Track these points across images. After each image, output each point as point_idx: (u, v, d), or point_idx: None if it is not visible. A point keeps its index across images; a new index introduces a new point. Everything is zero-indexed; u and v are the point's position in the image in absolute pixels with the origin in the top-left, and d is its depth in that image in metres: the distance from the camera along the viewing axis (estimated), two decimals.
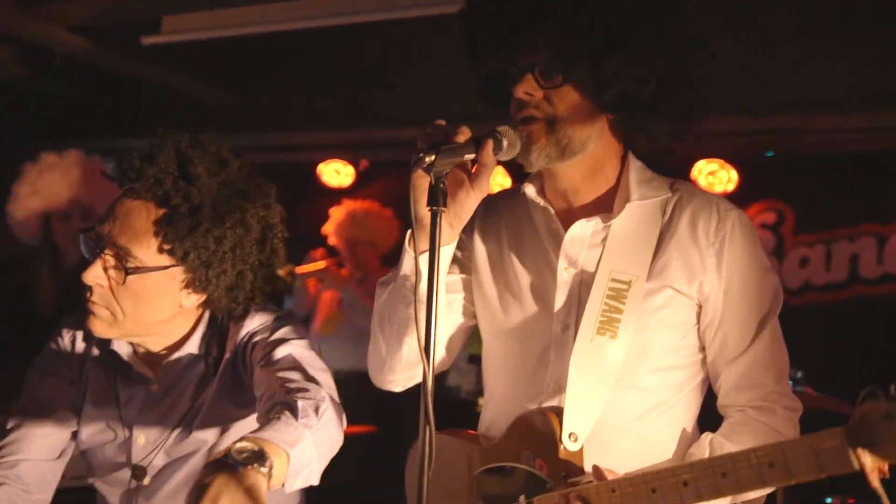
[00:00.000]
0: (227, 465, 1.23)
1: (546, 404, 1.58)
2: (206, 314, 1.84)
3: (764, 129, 4.45)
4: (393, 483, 1.96)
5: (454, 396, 4.88)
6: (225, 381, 1.81)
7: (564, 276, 1.63)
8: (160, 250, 1.69)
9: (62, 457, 1.87)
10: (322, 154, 5.77)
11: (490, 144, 1.45)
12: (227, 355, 1.81)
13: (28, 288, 3.26)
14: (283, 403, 1.45)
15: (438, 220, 1.39)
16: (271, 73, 5.04)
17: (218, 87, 5.17)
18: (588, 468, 1.48)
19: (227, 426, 1.81)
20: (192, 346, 1.81)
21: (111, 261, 1.69)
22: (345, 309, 5.04)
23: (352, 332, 4.86)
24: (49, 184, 3.16)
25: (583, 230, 1.63)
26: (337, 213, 5.17)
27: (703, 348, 1.63)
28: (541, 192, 1.70)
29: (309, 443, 1.38)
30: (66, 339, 1.92)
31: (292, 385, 1.56)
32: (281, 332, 1.77)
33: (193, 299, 1.76)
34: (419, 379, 1.77)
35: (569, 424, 1.50)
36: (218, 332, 1.83)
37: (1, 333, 3.15)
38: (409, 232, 1.57)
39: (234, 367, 1.81)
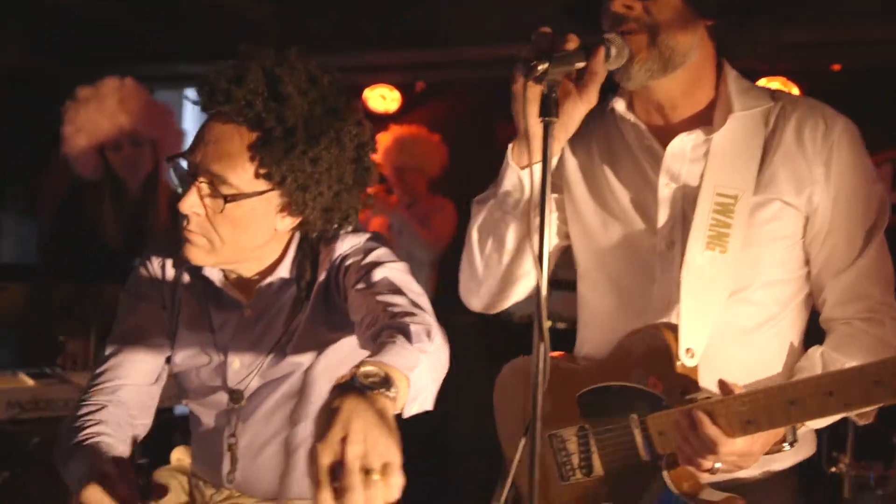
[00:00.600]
0: (356, 389, 1.18)
1: (653, 321, 1.55)
2: (297, 237, 1.80)
3: (827, 40, 4.31)
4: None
5: (506, 320, 4.88)
6: (318, 305, 1.78)
7: (665, 191, 1.58)
8: (256, 175, 1.64)
9: (158, 381, 1.86)
10: (368, 77, 5.69)
11: (602, 52, 1.41)
12: (320, 279, 1.78)
13: (94, 218, 3.27)
14: (394, 327, 1.42)
15: (551, 131, 1.33)
16: None
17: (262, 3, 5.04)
18: (703, 384, 1.45)
19: (321, 349, 1.79)
20: (284, 270, 1.78)
21: (206, 189, 1.64)
22: (394, 235, 5.03)
23: (401, 258, 4.85)
24: (89, 118, 3.17)
25: (683, 144, 1.57)
26: (384, 139, 5.11)
27: (807, 262, 1.58)
28: (629, 107, 1.64)
29: (425, 367, 1.35)
30: (155, 264, 1.89)
31: (396, 309, 1.52)
32: (375, 255, 1.73)
33: (288, 222, 1.72)
34: (515, 299, 1.76)
35: (685, 340, 1.46)
36: (308, 255, 1.80)
37: (72, 263, 3.18)
38: (510, 145, 1.52)
39: (328, 291, 1.78)
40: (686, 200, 1.56)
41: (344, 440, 1.09)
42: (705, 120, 1.59)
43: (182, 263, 1.86)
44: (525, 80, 1.37)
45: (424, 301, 1.61)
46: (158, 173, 3.38)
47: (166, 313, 1.87)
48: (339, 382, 1.21)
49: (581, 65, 1.39)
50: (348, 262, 1.75)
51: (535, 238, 1.31)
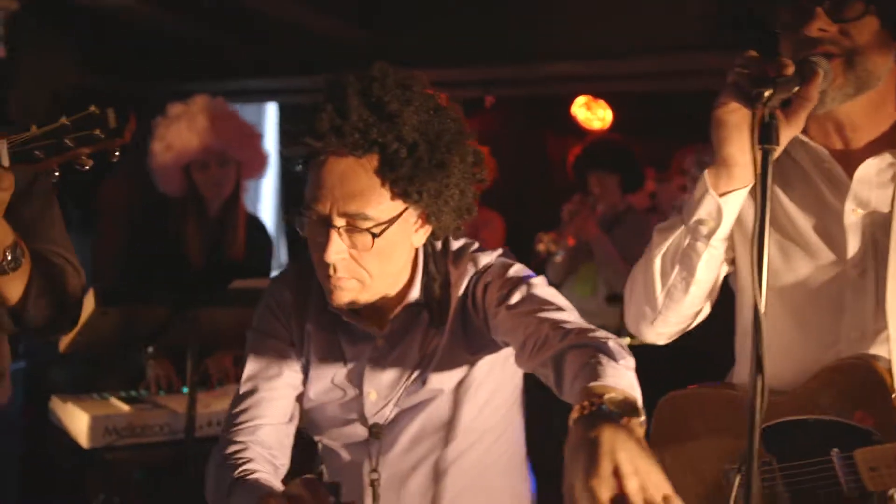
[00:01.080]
0: (608, 418, 1.16)
1: (846, 353, 1.50)
2: (421, 259, 1.77)
3: None
4: None
5: None
6: (456, 328, 1.75)
7: (852, 218, 1.53)
8: (392, 198, 1.61)
9: (293, 420, 1.82)
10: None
11: (820, 76, 1.37)
12: (454, 301, 1.74)
13: (178, 235, 3.24)
14: (590, 346, 1.40)
15: (770, 159, 1.28)
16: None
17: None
18: None
19: (463, 372, 1.77)
20: (415, 294, 1.74)
21: (346, 231, 1.60)
22: None
23: None
24: (178, 135, 3.16)
25: (870, 168, 1.53)
26: None
27: None
28: (804, 131, 1.58)
29: (637, 385, 1.34)
30: (280, 300, 1.85)
31: (569, 326, 1.50)
32: (514, 272, 1.70)
33: (422, 235, 1.69)
34: (686, 328, 1.72)
35: None
36: (436, 276, 1.76)
37: (157, 279, 3.17)
38: (705, 172, 1.48)
39: (465, 312, 1.75)
40: (876, 226, 1.51)
41: (616, 474, 1.08)
42: (890, 142, 1.54)
43: (309, 298, 1.84)
44: (748, 106, 1.33)
45: (577, 314, 1.61)
46: (239, 193, 3.36)
47: (296, 350, 1.84)
48: (583, 413, 1.19)
49: (795, 89, 1.35)
50: (488, 279, 1.71)
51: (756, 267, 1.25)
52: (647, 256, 1.63)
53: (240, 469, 1.64)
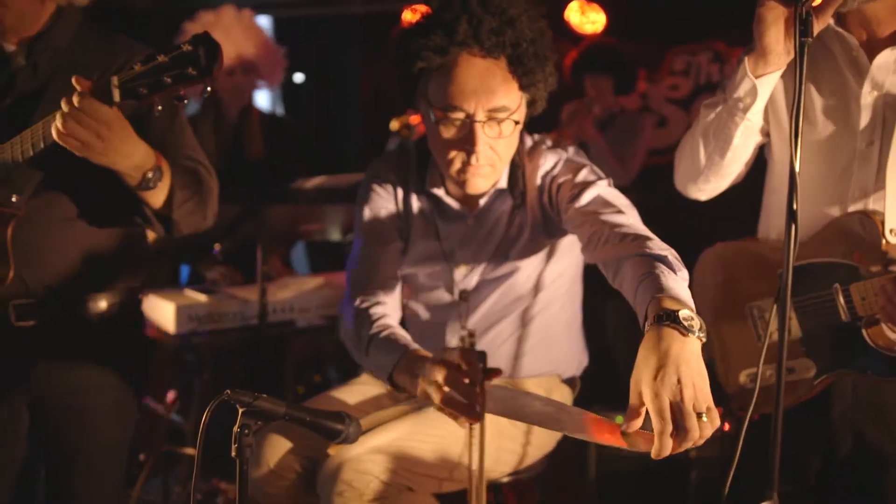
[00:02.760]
0: (679, 331, 1.36)
1: (851, 208, 1.85)
2: None
3: None
4: None
5: None
6: (535, 214, 2.06)
7: (868, 98, 1.84)
8: (518, 89, 1.91)
9: (398, 278, 2.13)
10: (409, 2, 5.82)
11: None
12: (533, 191, 2.05)
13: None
14: (650, 257, 1.59)
15: (806, 50, 1.55)
16: None
17: None
18: None
19: (541, 254, 2.10)
20: (503, 181, 2.05)
21: (486, 124, 1.86)
22: None
23: None
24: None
25: (888, 56, 1.82)
26: None
27: None
28: (838, 22, 1.88)
29: (690, 296, 1.50)
30: (386, 179, 2.15)
31: (627, 230, 1.74)
32: (584, 174, 1.98)
33: (523, 115, 1.96)
34: (725, 186, 2.05)
35: (890, 221, 1.78)
36: (517, 165, 2.06)
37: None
38: (746, 58, 1.77)
39: (541, 202, 2.05)
40: (887, 107, 1.83)
41: (678, 383, 1.30)
42: None
43: (408, 180, 2.13)
44: (786, 4, 1.61)
45: (636, 213, 1.88)
46: (253, 102, 3.61)
47: (400, 222, 2.14)
48: (660, 322, 1.37)
49: None
50: (560, 180, 2.00)
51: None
52: (694, 127, 1.96)
53: (375, 324, 1.92)
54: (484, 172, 1.94)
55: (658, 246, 1.66)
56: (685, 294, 1.49)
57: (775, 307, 1.62)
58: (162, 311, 2.97)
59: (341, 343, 3.82)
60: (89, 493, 2.05)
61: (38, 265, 1.94)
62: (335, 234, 3.50)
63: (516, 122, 1.91)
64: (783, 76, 1.93)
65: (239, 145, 3.60)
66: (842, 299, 1.84)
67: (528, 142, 2.11)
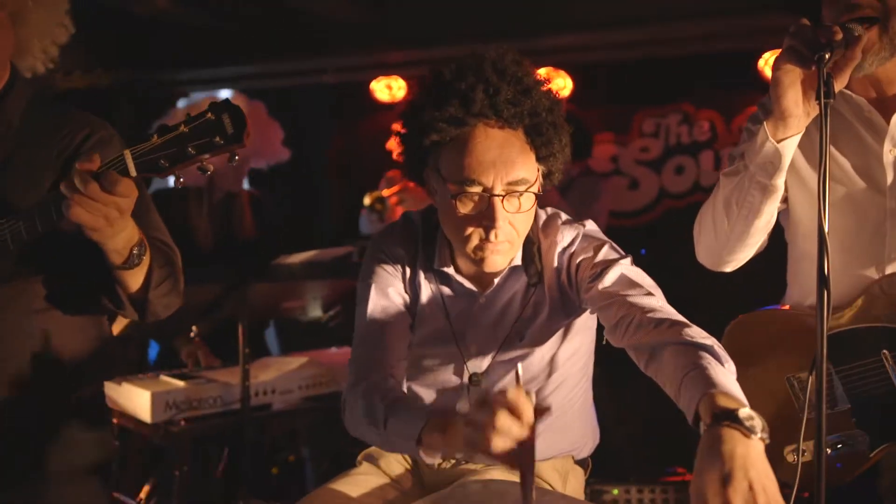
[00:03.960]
0: (742, 432, 1.28)
1: (889, 269, 1.80)
2: None
3: None
4: None
5: None
6: (553, 293, 1.94)
7: (890, 157, 1.81)
8: (536, 161, 1.81)
9: (406, 360, 1.99)
10: (375, 73, 5.82)
11: (864, 40, 1.59)
12: (550, 270, 1.93)
13: (187, 224, 3.38)
14: (693, 345, 1.53)
15: (827, 111, 1.50)
16: None
17: None
18: None
19: (558, 335, 1.97)
20: (517, 258, 1.92)
21: (505, 199, 1.76)
22: None
23: None
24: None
25: None
26: None
27: None
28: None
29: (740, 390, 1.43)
30: (393, 254, 2.01)
31: (662, 315, 1.65)
32: (605, 252, 1.88)
33: (540, 189, 1.86)
34: (749, 257, 1.96)
35: None
36: (532, 241, 1.94)
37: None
38: (765, 123, 1.71)
39: (559, 281, 1.93)
40: None
41: (750, 489, 1.22)
42: None
43: (416, 254, 2.01)
44: (804, 67, 1.56)
45: (662, 294, 1.78)
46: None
47: (408, 302, 2.00)
48: (719, 422, 1.30)
49: (841, 52, 1.57)
50: (579, 258, 1.89)
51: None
52: (714, 197, 1.88)
53: (390, 396, 1.77)
54: (503, 249, 1.82)
55: (699, 334, 1.57)
56: (738, 390, 1.40)
57: (811, 378, 1.54)
58: (136, 399, 2.77)
59: (314, 422, 3.68)
60: None
61: (7, 359, 1.80)
62: (316, 311, 3.36)
63: (536, 195, 1.81)
64: (802, 142, 1.89)
65: (225, 225, 3.47)
66: (892, 365, 1.75)
67: (542, 216, 2.00)
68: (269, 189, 3.67)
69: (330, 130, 5.95)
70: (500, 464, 1.44)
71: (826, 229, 1.45)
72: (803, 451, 1.76)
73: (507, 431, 1.39)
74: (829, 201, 1.83)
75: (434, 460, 1.66)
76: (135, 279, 1.77)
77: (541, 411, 1.45)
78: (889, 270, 1.79)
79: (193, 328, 3.03)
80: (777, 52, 1.62)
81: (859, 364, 1.79)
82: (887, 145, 1.81)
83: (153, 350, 3.78)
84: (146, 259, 1.76)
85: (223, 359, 3.24)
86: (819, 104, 1.49)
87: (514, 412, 1.40)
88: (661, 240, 4.03)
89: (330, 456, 3.49)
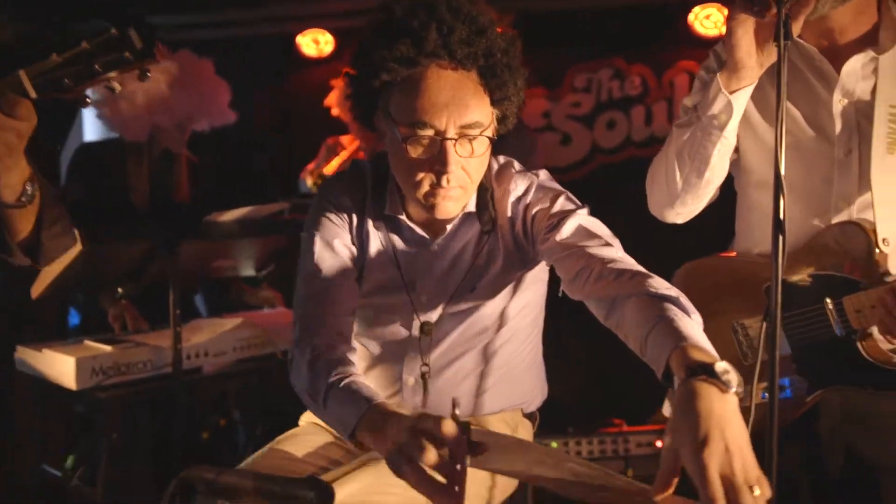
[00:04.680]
0: (719, 387, 1.23)
1: (835, 219, 1.79)
2: None
3: None
4: None
5: None
6: (507, 243, 1.89)
7: (839, 106, 1.80)
8: (490, 104, 1.74)
9: (354, 314, 1.91)
10: (300, 25, 5.64)
11: None
12: (504, 218, 1.88)
13: (122, 178, 3.22)
14: (657, 297, 1.49)
15: (786, 53, 1.48)
16: None
17: None
18: (893, 270, 1.71)
19: (512, 287, 1.92)
20: (471, 205, 1.86)
21: (458, 143, 1.69)
22: None
23: None
24: (168, 98, 3.09)
25: (856, 64, 1.79)
26: (341, 84, 5.09)
27: None
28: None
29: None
30: (339, 203, 1.93)
31: (622, 265, 1.62)
32: (561, 203, 1.84)
33: (494, 133, 1.80)
34: (702, 207, 1.95)
35: (882, 230, 1.72)
36: (487, 188, 1.89)
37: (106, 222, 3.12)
38: (718, 74, 1.70)
39: (513, 231, 1.88)
40: (860, 113, 1.79)
41: (726, 451, 1.16)
42: (870, 41, 1.80)
43: (364, 201, 1.93)
44: (758, 16, 1.55)
45: (620, 245, 1.75)
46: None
47: (356, 253, 1.92)
48: (694, 378, 1.24)
49: None
50: (535, 208, 1.84)
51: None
52: (667, 149, 1.86)
53: (333, 372, 1.69)
54: (455, 195, 1.75)
55: (662, 285, 1.53)
56: (708, 343, 1.36)
57: (764, 324, 1.52)
58: (59, 366, 2.63)
59: (245, 384, 3.59)
60: None
61: None
62: (248, 270, 3.24)
63: (490, 140, 1.74)
64: (757, 94, 1.87)
65: (161, 185, 3.32)
66: (833, 313, 1.75)
67: (495, 164, 1.94)
68: (194, 151, 3.50)
69: (251, 88, 5.73)
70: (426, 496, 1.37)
71: (783, 175, 1.43)
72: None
73: (432, 479, 1.34)
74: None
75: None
76: (27, 219, 1.65)
77: (479, 448, 1.38)
78: (835, 220, 1.80)
79: (119, 289, 2.88)
80: (706, 6, 1.60)
81: (802, 311, 1.80)
82: (837, 95, 1.80)
83: (74, 318, 3.62)
84: (37, 197, 1.63)
85: (152, 322, 3.11)
86: (778, 45, 1.46)
87: (444, 446, 1.35)
88: (595, 195, 4.04)
89: (262, 419, 3.40)
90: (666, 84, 5.24)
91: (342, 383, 1.66)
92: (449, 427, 1.34)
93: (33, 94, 1.43)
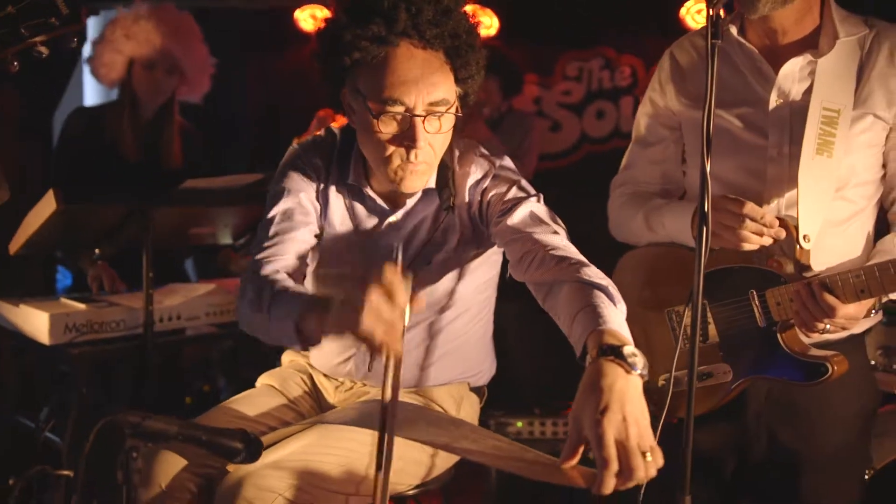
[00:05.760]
0: (624, 368, 1.35)
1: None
2: None
3: None
4: None
5: None
6: (464, 222, 1.96)
7: (774, 106, 1.87)
8: (455, 83, 1.82)
9: (304, 265, 1.97)
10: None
11: None
12: (463, 200, 1.95)
13: (113, 139, 3.28)
14: (590, 285, 1.59)
15: (715, 51, 1.55)
16: None
17: None
18: (815, 266, 1.80)
19: (465, 266, 2.01)
20: (432, 181, 1.94)
21: (426, 119, 1.76)
22: None
23: None
24: (143, 31, 3.16)
25: (794, 66, 1.86)
26: None
27: (883, 166, 1.92)
28: (740, 32, 1.90)
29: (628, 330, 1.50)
30: (311, 163, 2.00)
31: (563, 253, 1.72)
32: (515, 190, 1.92)
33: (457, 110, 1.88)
34: None
35: (804, 227, 1.80)
36: (448, 166, 1.96)
37: (96, 179, 3.23)
38: None
39: (469, 212, 1.96)
40: (794, 115, 1.86)
41: (623, 421, 1.29)
42: (810, 44, 1.87)
43: (330, 166, 2.00)
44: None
45: (566, 234, 1.83)
46: (174, 104, 3.42)
47: (318, 212, 2.00)
48: (603, 357, 1.37)
49: None
50: (490, 193, 1.93)
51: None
52: (631, 220, 2.06)
53: (277, 284, 1.76)
54: (421, 170, 1.83)
55: (597, 274, 1.63)
56: (625, 328, 1.48)
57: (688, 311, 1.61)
58: (34, 321, 2.72)
59: (230, 351, 3.66)
60: None
61: None
62: (226, 239, 3.32)
63: (456, 116, 1.82)
64: (689, 91, 1.97)
65: (156, 151, 3.40)
66: (757, 304, 1.84)
67: (460, 144, 2.01)
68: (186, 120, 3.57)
69: (244, 62, 5.77)
70: (367, 346, 1.45)
71: (708, 168, 1.51)
72: (679, 381, 1.85)
73: (377, 312, 1.41)
74: (714, 147, 1.90)
75: (313, 346, 1.65)
76: None
77: (416, 300, 1.47)
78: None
79: (96, 250, 2.97)
80: (698, 1, 1.64)
81: (730, 301, 1.88)
82: (773, 95, 1.87)
83: (66, 277, 3.70)
84: None
85: (131, 286, 3.19)
86: (706, 44, 1.53)
87: (388, 294, 1.41)
88: (581, 184, 4.08)
89: (245, 386, 3.49)
90: None
91: (283, 288, 1.74)
92: (389, 269, 1.43)
93: None
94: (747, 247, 1.77)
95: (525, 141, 4.61)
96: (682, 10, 4.94)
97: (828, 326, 1.74)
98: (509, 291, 2.16)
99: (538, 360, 3.80)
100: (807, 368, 1.80)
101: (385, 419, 1.46)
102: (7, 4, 1.47)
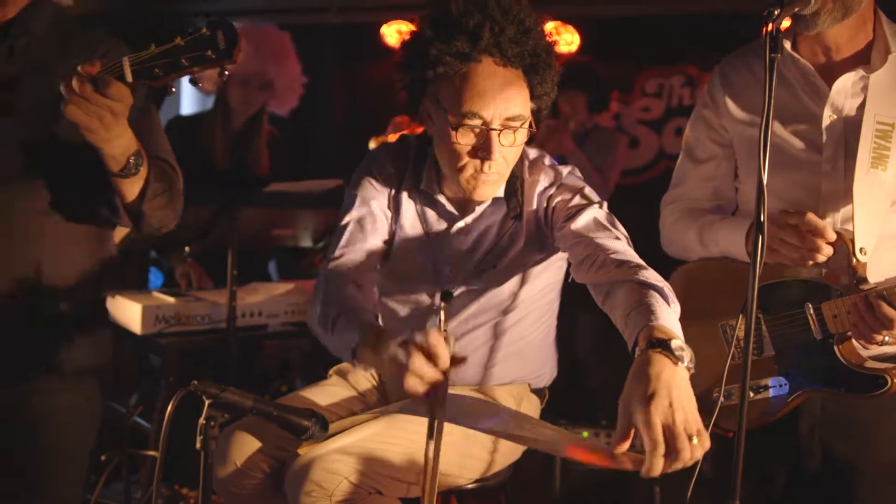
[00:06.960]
0: (673, 360, 1.43)
1: None
2: None
3: None
4: None
5: None
6: (530, 228, 2.05)
7: (828, 122, 1.90)
8: (531, 99, 1.91)
9: (375, 271, 2.10)
10: (385, 15, 5.85)
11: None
12: (530, 207, 2.04)
13: (206, 146, 3.48)
14: (646, 285, 1.65)
15: (774, 66, 1.57)
16: None
17: None
18: (871, 279, 1.82)
19: (528, 271, 2.09)
20: (501, 190, 2.03)
21: (502, 133, 1.86)
22: None
23: None
24: (243, 50, 3.33)
25: (846, 82, 1.88)
26: None
27: None
28: (794, 47, 1.93)
29: (680, 328, 1.56)
30: (382, 171, 2.11)
31: (623, 257, 1.79)
32: (581, 196, 1.99)
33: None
34: None
35: (860, 241, 1.82)
36: (517, 176, 2.05)
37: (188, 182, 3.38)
38: None
39: (536, 217, 2.04)
40: (847, 129, 1.88)
41: (670, 406, 1.37)
42: (863, 59, 1.89)
43: (404, 172, 2.11)
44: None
45: (628, 240, 1.90)
46: (263, 116, 3.61)
47: (390, 214, 2.11)
48: (652, 348, 1.44)
49: (796, 9, 1.62)
50: (557, 199, 2.01)
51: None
52: (684, 235, 2.09)
53: (343, 303, 1.90)
54: (493, 180, 1.94)
55: (654, 276, 1.70)
56: (676, 326, 1.54)
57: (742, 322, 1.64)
58: (128, 312, 2.93)
59: (308, 352, 3.81)
60: (48, 496, 1.99)
61: (11, 258, 1.88)
62: (306, 241, 3.48)
63: (530, 131, 1.92)
64: (745, 105, 2.00)
65: (244, 159, 3.60)
66: (813, 316, 1.86)
67: (530, 155, 2.10)
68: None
69: (330, 75, 5.97)
70: (413, 402, 1.61)
71: (765, 180, 1.55)
72: (730, 394, 1.89)
73: (419, 374, 1.55)
74: (772, 163, 1.93)
75: (369, 371, 1.81)
76: (131, 188, 1.86)
77: (457, 360, 1.61)
78: None
79: (186, 248, 3.16)
80: (783, 20, 1.64)
81: (785, 314, 1.91)
82: (827, 110, 1.90)
83: (158, 278, 3.92)
84: (143, 171, 1.84)
85: (217, 283, 3.37)
86: (763, 58, 1.56)
87: (430, 356, 1.55)
88: (659, 199, 4.13)
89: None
90: None
91: (348, 312, 1.87)
92: (433, 335, 1.56)
93: (130, 79, 1.64)
94: (808, 263, 1.80)
95: (609, 157, 4.67)
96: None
97: (886, 338, 1.76)
98: (586, 302, 2.23)
99: (611, 372, 3.82)
100: (865, 381, 1.82)
101: (426, 467, 1.60)
102: (175, 35, 1.62)
